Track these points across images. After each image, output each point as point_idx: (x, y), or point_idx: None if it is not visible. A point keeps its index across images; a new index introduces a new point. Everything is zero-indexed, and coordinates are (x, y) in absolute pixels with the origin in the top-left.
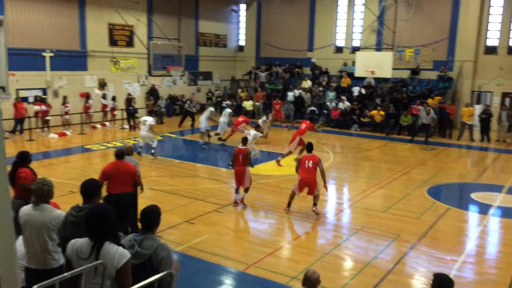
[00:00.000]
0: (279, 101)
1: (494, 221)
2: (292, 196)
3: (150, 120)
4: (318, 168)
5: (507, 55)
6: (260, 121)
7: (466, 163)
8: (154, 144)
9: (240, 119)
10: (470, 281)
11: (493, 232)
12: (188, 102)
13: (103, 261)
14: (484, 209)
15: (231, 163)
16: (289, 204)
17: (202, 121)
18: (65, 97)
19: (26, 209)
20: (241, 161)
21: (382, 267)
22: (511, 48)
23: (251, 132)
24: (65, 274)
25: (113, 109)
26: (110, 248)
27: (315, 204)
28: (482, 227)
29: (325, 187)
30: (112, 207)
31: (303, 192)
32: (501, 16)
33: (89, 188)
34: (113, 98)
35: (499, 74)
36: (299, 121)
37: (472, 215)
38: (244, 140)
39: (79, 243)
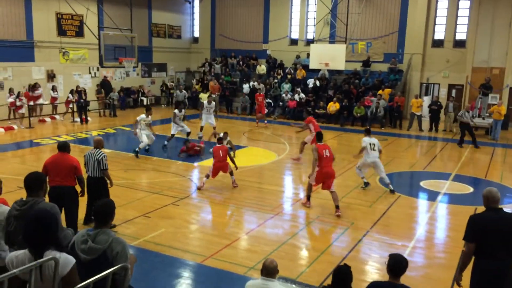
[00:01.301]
0: (261, 93)
1: (442, 208)
2: (309, 189)
3: (140, 117)
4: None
5: (453, 48)
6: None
7: (415, 153)
8: (141, 145)
9: None
10: (420, 265)
11: (441, 218)
12: (178, 91)
13: (54, 257)
14: (432, 196)
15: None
16: (308, 198)
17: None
18: (19, 92)
19: None
20: (222, 157)
21: (337, 254)
22: (456, 42)
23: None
24: (14, 270)
25: (68, 102)
26: (53, 256)
27: (337, 207)
28: (430, 213)
29: None
30: (55, 209)
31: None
32: (447, 10)
33: (32, 181)
34: (72, 92)
35: (445, 66)
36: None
37: (421, 202)
38: (219, 140)
39: (20, 258)
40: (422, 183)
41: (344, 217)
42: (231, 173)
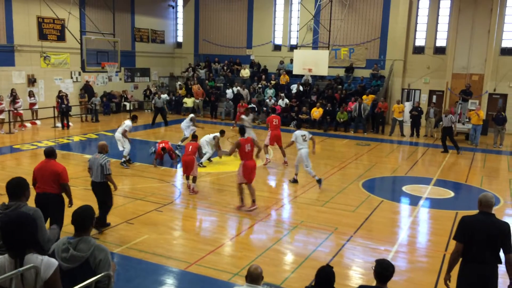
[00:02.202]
0: (244, 104)
1: (423, 212)
2: (241, 191)
3: (126, 123)
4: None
5: (433, 55)
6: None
7: (397, 158)
8: (125, 152)
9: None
10: (403, 270)
11: (423, 222)
12: (156, 98)
13: (35, 266)
14: (414, 200)
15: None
16: (242, 200)
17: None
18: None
19: None
20: (190, 151)
21: (321, 259)
22: (437, 48)
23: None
24: None
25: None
26: (34, 259)
27: (253, 201)
28: (413, 218)
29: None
30: (37, 213)
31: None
32: (427, 18)
33: (15, 186)
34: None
35: (426, 72)
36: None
37: (404, 206)
38: (194, 138)
39: (0, 262)
40: (404, 188)
41: (327, 222)
42: (194, 179)
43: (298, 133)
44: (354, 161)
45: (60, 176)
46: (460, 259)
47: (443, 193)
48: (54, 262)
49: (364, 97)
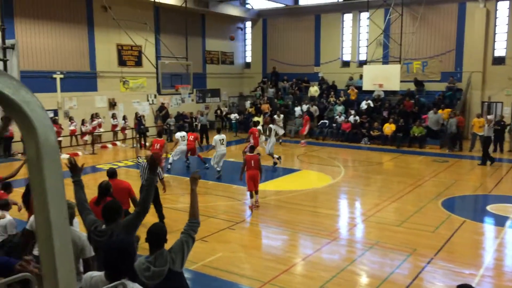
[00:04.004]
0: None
1: (511, 233)
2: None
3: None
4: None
5: None
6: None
7: (479, 175)
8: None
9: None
10: None
11: (511, 244)
12: (199, 116)
13: (123, 282)
14: (500, 221)
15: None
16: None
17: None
18: (83, 120)
19: None
20: (253, 166)
21: (399, 282)
22: None
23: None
24: None
25: (123, 129)
26: (126, 286)
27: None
28: (499, 240)
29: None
30: (133, 241)
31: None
32: (507, 26)
33: (111, 211)
34: (124, 118)
35: (508, 84)
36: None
37: (489, 227)
38: (252, 148)
39: (95, 280)
40: (488, 207)
41: (405, 243)
42: (256, 192)
43: (217, 137)
44: (432, 179)
45: (131, 191)
46: None
47: None
48: None
49: (440, 111)
